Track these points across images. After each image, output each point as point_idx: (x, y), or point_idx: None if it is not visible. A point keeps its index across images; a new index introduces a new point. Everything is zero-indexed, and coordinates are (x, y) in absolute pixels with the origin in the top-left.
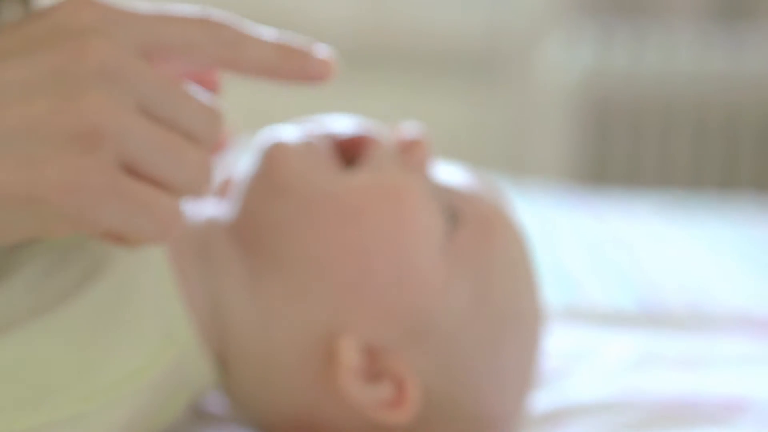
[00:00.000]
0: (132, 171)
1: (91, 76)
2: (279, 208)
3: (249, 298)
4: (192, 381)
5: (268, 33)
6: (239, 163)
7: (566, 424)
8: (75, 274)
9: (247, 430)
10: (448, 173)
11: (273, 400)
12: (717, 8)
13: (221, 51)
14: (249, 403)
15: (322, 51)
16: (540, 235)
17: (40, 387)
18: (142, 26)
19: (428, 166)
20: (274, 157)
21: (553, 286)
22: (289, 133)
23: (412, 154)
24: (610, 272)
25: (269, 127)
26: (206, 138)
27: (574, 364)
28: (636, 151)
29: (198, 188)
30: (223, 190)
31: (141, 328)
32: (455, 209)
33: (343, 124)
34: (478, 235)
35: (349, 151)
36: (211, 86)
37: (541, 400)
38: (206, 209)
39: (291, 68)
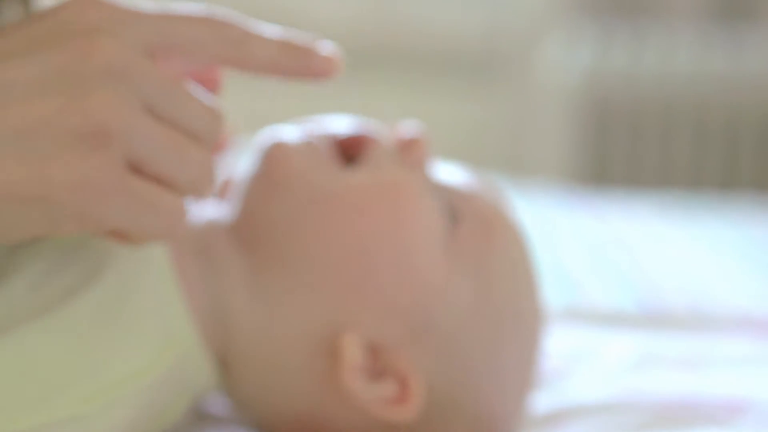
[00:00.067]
0: (137, 170)
1: (98, 76)
2: (279, 207)
3: (250, 298)
4: (193, 381)
5: (272, 31)
6: (239, 163)
7: (566, 424)
8: (76, 275)
9: (248, 431)
10: (448, 173)
11: (275, 400)
12: (717, 8)
13: (226, 49)
14: (250, 404)
15: (326, 48)
16: (540, 236)
17: (41, 387)
18: (148, 25)
19: (427, 164)
20: (274, 156)
21: (553, 287)
22: (288, 133)
23: (410, 152)
24: (610, 273)
25: (269, 128)
26: (207, 138)
27: (575, 365)
28: (636, 151)
29: (202, 187)
30: (222, 192)
31: (142, 329)
32: (454, 208)
33: (342, 123)
34: (478, 234)
35: (349, 151)
36: (212, 85)
37: (542, 400)
38: (206, 211)
39: (296, 66)
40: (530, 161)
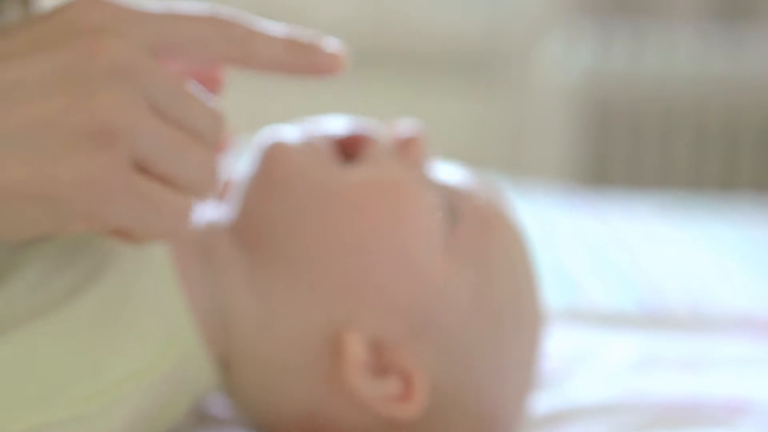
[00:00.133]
0: (142, 169)
1: (104, 75)
2: (279, 206)
3: (251, 298)
4: (194, 382)
5: (277, 29)
6: (239, 163)
7: (567, 425)
8: (77, 275)
9: None
10: (447, 172)
11: (276, 400)
12: (717, 9)
13: (231, 48)
14: (252, 404)
15: (331, 45)
16: (540, 236)
17: (41, 387)
18: (152, 25)
19: (425, 162)
20: (273, 156)
21: (553, 287)
22: (288, 132)
23: (408, 150)
24: (610, 273)
25: (268, 128)
26: (210, 138)
27: (575, 366)
28: (636, 151)
29: (205, 187)
30: (222, 193)
31: (143, 329)
32: (454, 206)
33: (339, 123)
34: (478, 233)
35: (347, 150)
36: (214, 84)
37: (542, 401)
38: (207, 212)
39: (301, 63)
40: (530, 161)
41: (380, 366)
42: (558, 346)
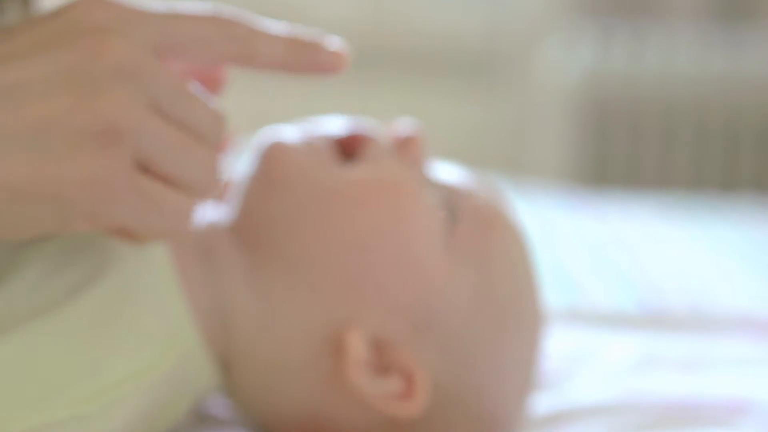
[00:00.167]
0: (144, 169)
1: (108, 75)
2: (278, 205)
3: (252, 298)
4: (194, 382)
5: (279, 28)
6: (239, 164)
7: (567, 426)
8: (77, 275)
9: None
10: (446, 172)
11: (277, 400)
12: (717, 9)
13: (233, 47)
14: (253, 405)
15: (333, 43)
16: (540, 236)
17: (42, 387)
18: (156, 25)
19: (424, 161)
20: (273, 156)
21: (553, 288)
22: (287, 132)
23: (408, 150)
24: (610, 273)
25: (268, 128)
26: (211, 138)
27: (575, 366)
28: (636, 152)
29: (207, 187)
30: (222, 193)
31: (143, 329)
32: (454, 205)
33: (339, 123)
34: (477, 232)
35: (347, 150)
36: (216, 84)
37: (542, 401)
38: (207, 212)
39: (304, 62)
40: (530, 161)
41: (381, 364)
42: (558, 346)
